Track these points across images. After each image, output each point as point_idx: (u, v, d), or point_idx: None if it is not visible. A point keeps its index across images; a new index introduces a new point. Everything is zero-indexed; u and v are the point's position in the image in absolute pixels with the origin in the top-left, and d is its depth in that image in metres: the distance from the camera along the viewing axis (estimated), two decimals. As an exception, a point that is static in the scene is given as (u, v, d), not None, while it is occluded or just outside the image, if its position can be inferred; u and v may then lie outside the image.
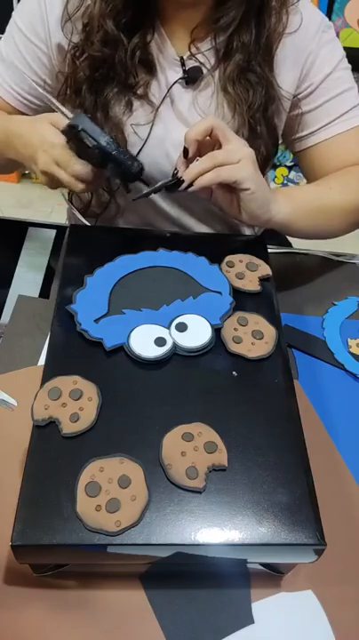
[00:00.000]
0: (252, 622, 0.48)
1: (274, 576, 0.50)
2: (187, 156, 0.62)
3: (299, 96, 0.75)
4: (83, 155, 0.60)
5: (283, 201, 0.67)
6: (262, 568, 0.49)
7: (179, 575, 0.50)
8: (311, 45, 0.72)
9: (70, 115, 0.59)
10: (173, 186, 0.62)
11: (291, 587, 0.50)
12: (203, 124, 0.60)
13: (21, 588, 0.48)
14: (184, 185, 0.60)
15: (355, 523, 0.55)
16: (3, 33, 0.75)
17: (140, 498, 0.43)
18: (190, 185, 0.60)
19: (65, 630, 0.46)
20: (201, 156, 0.61)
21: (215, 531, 0.43)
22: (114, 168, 0.59)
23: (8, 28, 0.74)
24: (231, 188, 0.62)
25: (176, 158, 0.76)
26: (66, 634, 0.46)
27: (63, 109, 0.60)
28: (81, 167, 0.60)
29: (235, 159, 0.59)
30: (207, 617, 0.48)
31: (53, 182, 0.64)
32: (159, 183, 0.63)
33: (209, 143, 0.62)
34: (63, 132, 0.59)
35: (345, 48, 0.76)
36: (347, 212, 0.75)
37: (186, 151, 0.61)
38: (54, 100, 0.61)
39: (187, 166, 0.61)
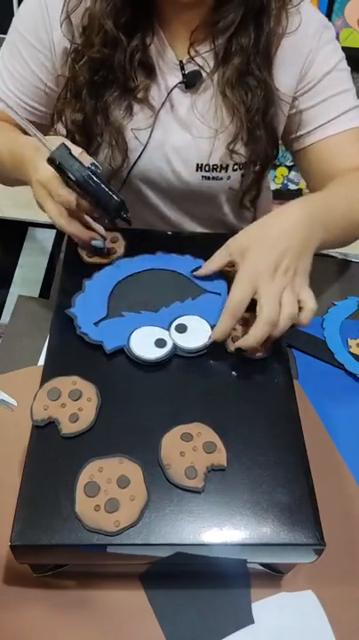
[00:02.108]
0: (252, 622, 0.48)
1: (274, 576, 0.50)
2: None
3: (298, 94, 0.75)
4: (68, 185, 0.57)
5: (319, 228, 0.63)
6: (262, 568, 0.49)
7: (179, 575, 0.50)
8: (311, 44, 0.72)
9: (52, 147, 0.56)
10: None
11: (291, 587, 0.50)
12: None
13: (21, 588, 0.48)
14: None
15: (355, 523, 0.55)
16: (2, 33, 0.75)
17: (139, 498, 0.43)
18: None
19: (65, 630, 0.46)
20: None
21: (214, 531, 0.43)
22: (93, 203, 0.57)
23: (9, 37, 0.73)
24: None
25: (176, 163, 0.76)
26: (66, 634, 0.46)
27: (45, 142, 0.56)
28: (65, 192, 0.57)
29: (273, 296, 0.55)
30: (207, 617, 0.48)
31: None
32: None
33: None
34: (48, 162, 0.56)
35: (345, 48, 0.75)
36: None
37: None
38: (37, 132, 0.58)
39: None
